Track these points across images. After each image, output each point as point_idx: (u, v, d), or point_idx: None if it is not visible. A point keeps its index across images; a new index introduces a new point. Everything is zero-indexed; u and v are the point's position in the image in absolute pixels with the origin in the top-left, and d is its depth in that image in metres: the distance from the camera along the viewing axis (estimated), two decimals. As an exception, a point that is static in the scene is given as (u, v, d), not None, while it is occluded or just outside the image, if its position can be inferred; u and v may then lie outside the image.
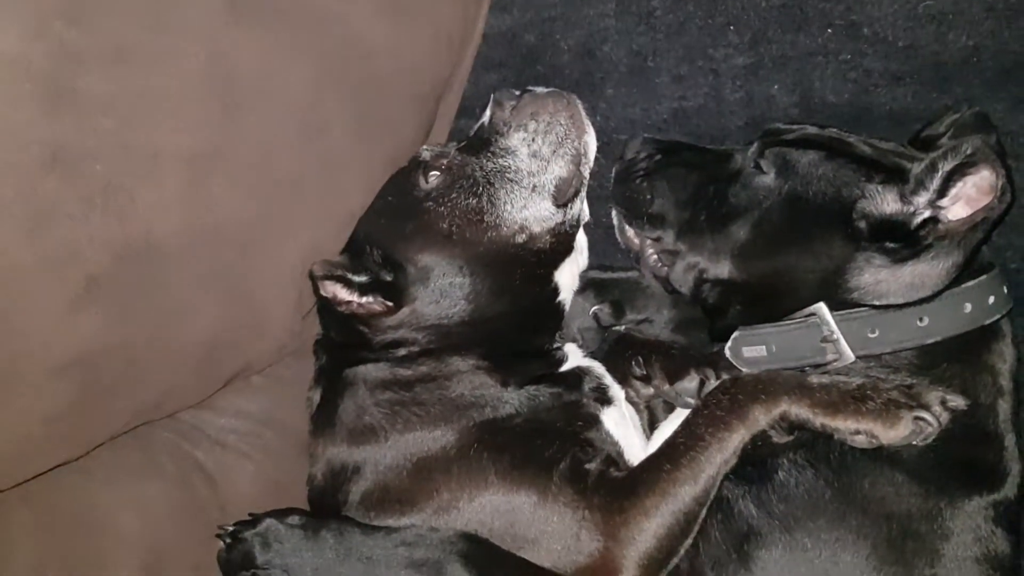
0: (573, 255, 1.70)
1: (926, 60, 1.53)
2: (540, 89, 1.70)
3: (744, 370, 1.50)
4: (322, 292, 1.57)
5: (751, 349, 1.48)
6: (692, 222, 1.55)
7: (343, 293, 1.57)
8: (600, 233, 1.75)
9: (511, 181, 1.61)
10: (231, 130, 1.31)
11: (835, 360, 1.43)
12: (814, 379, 1.43)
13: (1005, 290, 1.43)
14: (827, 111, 1.60)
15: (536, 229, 1.61)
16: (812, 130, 1.54)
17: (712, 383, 1.55)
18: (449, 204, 1.59)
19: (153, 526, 1.51)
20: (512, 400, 1.58)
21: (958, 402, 1.36)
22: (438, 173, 1.61)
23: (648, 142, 1.65)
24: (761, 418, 1.41)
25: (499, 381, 1.59)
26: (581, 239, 1.73)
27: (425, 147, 1.70)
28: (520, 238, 1.60)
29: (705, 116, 1.67)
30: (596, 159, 1.67)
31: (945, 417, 1.35)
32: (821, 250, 1.42)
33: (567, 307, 1.71)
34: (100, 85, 1.16)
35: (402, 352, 1.60)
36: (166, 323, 1.32)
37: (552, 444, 1.52)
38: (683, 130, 1.70)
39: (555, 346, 1.68)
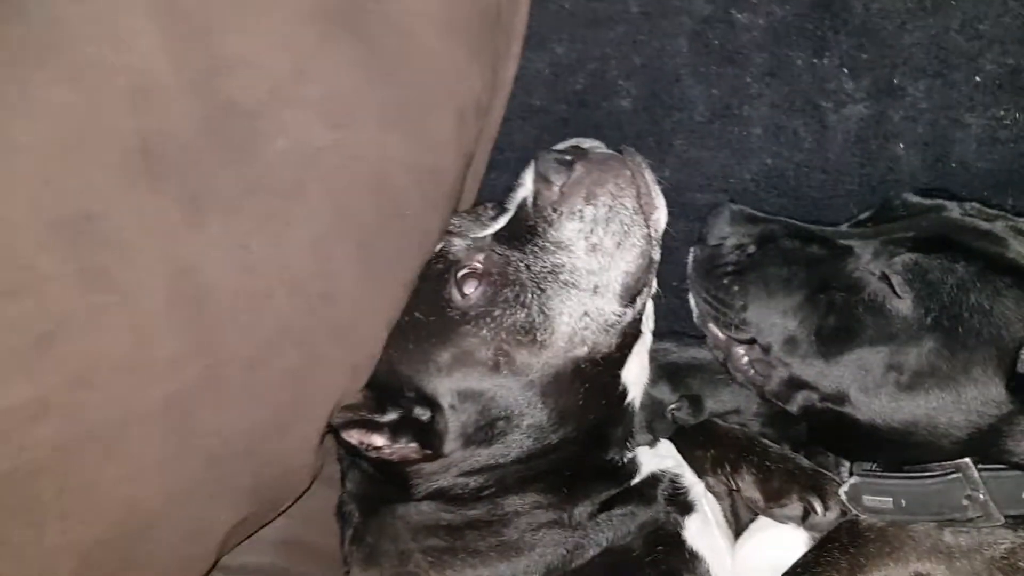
0: (639, 341, 1.41)
1: None
2: (594, 148, 1.34)
3: (863, 517, 1.26)
4: (348, 441, 1.29)
5: (874, 500, 1.23)
6: (798, 339, 1.25)
7: (372, 439, 1.29)
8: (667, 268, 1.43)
9: (567, 284, 1.28)
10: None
11: (978, 518, 1.19)
12: (951, 537, 1.20)
13: None
14: (967, 176, 1.26)
15: (600, 337, 1.31)
16: (953, 211, 1.21)
17: (819, 514, 1.32)
18: (492, 323, 1.27)
19: None
20: (580, 538, 1.34)
21: None
22: (476, 282, 1.28)
23: (737, 219, 1.30)
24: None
25: (565, 518, 1.33)
26: (648, 309, 1.44)
27: (454, 233, 1.36)
28: (581, 351, 1.30)
29: (805, 176, 1.31)
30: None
31: None
32: (973, 404, 1.14)
33: (637, 406, 1.43)
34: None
35: (450, 495, 1.35)
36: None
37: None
38: (777, 192, 1.35)
39: (626, 458, 1.43)
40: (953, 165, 1.25)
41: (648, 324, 1.49)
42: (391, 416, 1.30)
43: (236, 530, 1.24)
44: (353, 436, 1.29)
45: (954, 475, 1.21)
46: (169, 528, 1.10)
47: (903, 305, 1.17)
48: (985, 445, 1.15)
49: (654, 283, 1.44)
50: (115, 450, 1.00)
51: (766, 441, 1.46)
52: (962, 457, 1.20)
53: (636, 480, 1.44)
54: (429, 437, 1.30)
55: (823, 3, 1.28)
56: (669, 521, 1.40)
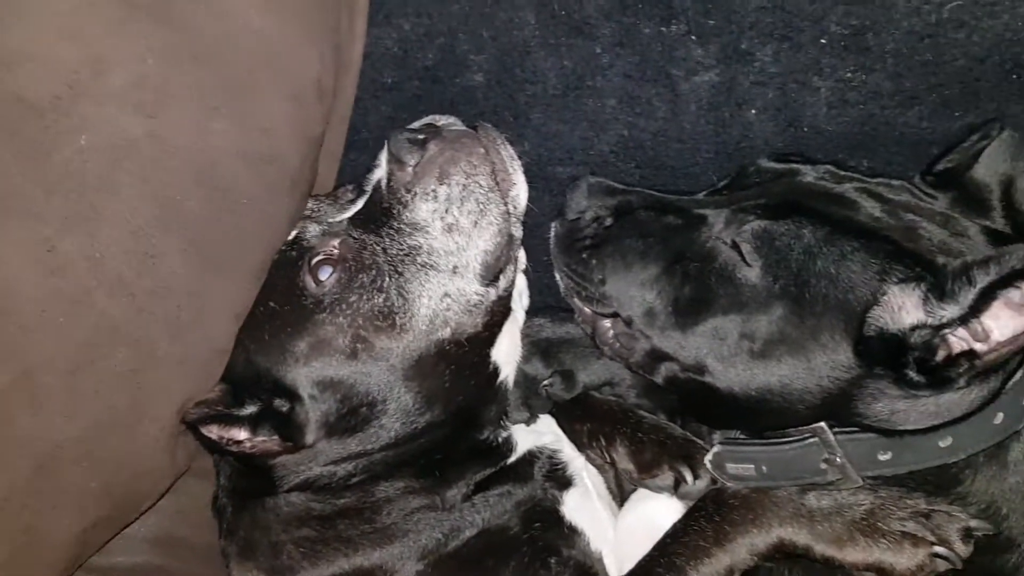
0: (510, 319, 1.39)
1: (950, 75, 1.16)
2: (448, 125, 1.30)
3: (729, 485, 1.26)
4: (207, 436, 1.25)
5: (737, 467, 1.23)
6: (656, 311, 1.23)
7: (231, 433, 1.26)
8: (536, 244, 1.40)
9: (425, 266, 1.26)
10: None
11: (838, 480, 1.20)
12: (813, 501, 1.21)
13: None
14: (820, 139, 1.25)
15: (463, 318, 1.28)
16: (806, 176, 1.20)
17: (689, 483, 1.32)
18: (349, 310, 1.24)
19: None
20: (455, 520, 1.33)
21: (983, 528, 1.17)
22: (331, 268, 1.25)
23: (595, 191, 1.28)
24: (749, 551, 1.22)
25: (438, 502, 1.33)
26: (517, 306, 1.42)
27: (309, 218, 1.32)
28: (444, 333, 1.27)
29: (662, 146, 1.29)
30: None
31: (966, 551, 1.15)
32: (823, 370, 1.13)
33: (510, 384, 1.42)
34: None
35: (315, 491, 1.32)
36: None
37: (508, 564, 1.30)
38: (636, 163, 1.32)
39: (501, 436, 1.41)
40: (805, 129, 1.24)
41: (521, 301, 1.48)
42: (250, 409, 1.27)
43: (91, 533, 1.20)
44: (212, 431, 1.26)
45: (811, 440, 1.22)
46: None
47: (752, 273, 1.15)
48: (839, 409, 1.16)
49: (522, 259, 1.42)
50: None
51: (641, 412, 1.46)
52: (818, 422, 1.21)
53: (512, 459, 1.43)
54: (290, 429, 1.28)
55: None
56: (547, 497, 1.40)
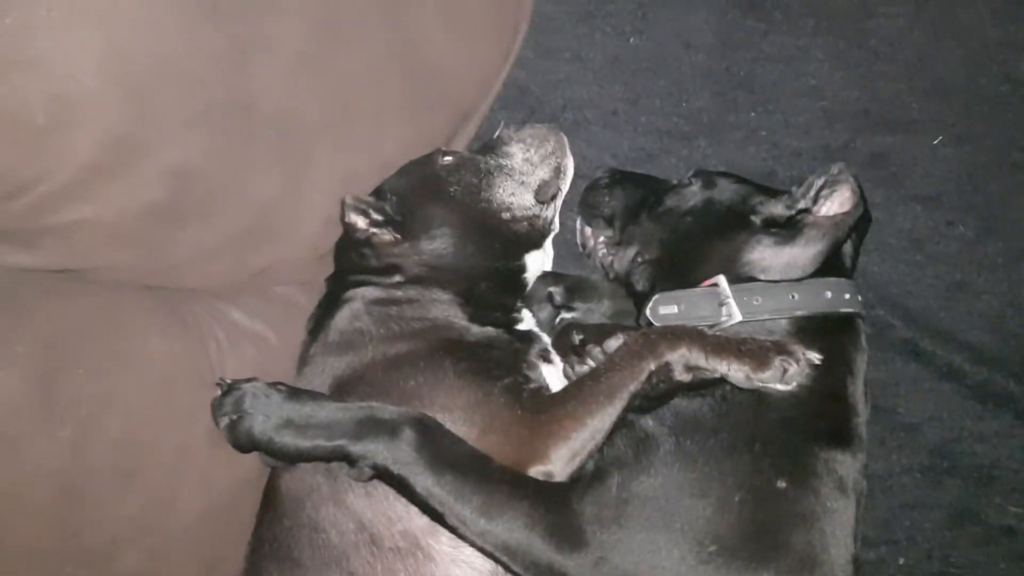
0: (541, 251, 2.17)
1: (816, 142, 2.10)
2: (539, 124, 2.27)
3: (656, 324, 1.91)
4: (347, 219, 2.02)
5: (665, 307, 1.88)
6: (634, 220, 2.05)
7: (362, 222, 2.02)
8: (565, 254, 2.22)
9: (505, 174, 2.12)
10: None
11: (727, 320, 1.84)
12: (708, 333, 1.84)
13: (859, 298, 1.88)
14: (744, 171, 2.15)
15: (517, 213, 2.10)
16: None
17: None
18: (456, 178, 2.08)
19: (170, 363, 1.85)
20: (475, 331, 1.97)
21: (815, 356, 1.73)
22: (451, 159, 2.13)
23: (612, 170, 2.19)
24: (666, 353, 1.74)
25: (467, 316, 2.00)
26: (549, 246, 2.21)
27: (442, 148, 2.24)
28: (504, 216, 2.09)
29: (656, 163, 2.21)
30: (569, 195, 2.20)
31: (804, 365, 1.75)
32: (726, 235, 1.87)
33: (529, 285, 2.15)
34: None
35: (396, 278, 2.01)
36: (239, 175, 1.77)
37: (499, 367, 1.88)
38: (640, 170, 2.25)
39: (516, 307, 2.10)
40: (735, 167, 2.16)
41: (549, 251, 2.23)
42: (379, 216, 2.03)
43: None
44: (352, 217, 2.02)
45: (714, 287, 1.83)
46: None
47: (694, 188, 1.99)
48: (733, 264, 1.82)
49: (557, 223, 2.22)
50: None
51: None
52: (717, 275, 1.87)
53: (520, 327, 2.09)
54: (399, 230, 2.03)
55: None
56: (535, 358, 2.01)
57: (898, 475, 1.80)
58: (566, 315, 2.17)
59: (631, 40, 2.21)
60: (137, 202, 1.66)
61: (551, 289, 2.18)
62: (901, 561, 1.92)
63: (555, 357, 2.03)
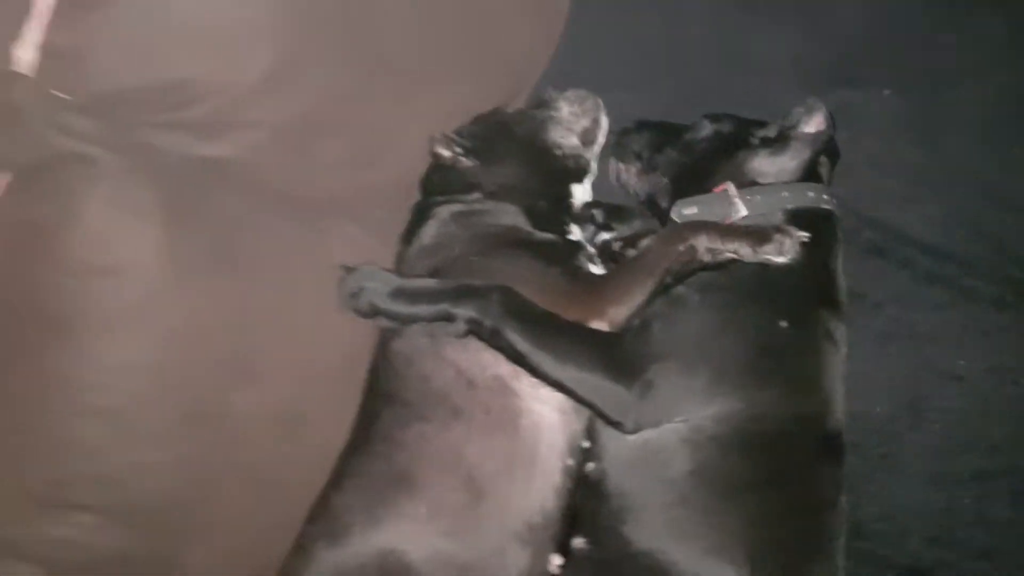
0: (583, 185, 2.71)
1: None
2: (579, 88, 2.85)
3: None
4: (435, 149, 2.56)
5: (687, 208, 2.29)
6: (659, 151, 2.62)
7: (447, 152, 2.57)
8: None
9: (555, 121, 2.69)
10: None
11: (735, 215, 2.23)
12: (722, 224, 2.34)
13: (835, 201, 2.45)
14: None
15: (567, 151, 2.63)
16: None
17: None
18: (518, 121, 2.66)
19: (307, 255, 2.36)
20: (538, 235, 2.38)
21: (803, 234, 2.10)
22: (513, 110, 2.71)
23: (637, 120, 2.78)
24: (690, 238, 2.13)
25: (531, 223, 2.42)
26: (588, 185, 2.76)
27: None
28: (556, 152, 2.62)
29: None
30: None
31: (796, 241, 2.20)
32: (731, 152, 2.32)
33: (576, 208, 2.65)
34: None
35: (475, 195, 2.45)
36: (360, 103, 2.33)
37: (560, 256, 2.32)
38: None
39: (567, 222, 2.59)
40: None
41: (588, 187, 2.79)
42: (459, 150, 2.57)
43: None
44: (440, 147, 2.57)
45: (724, 191, 2.31)
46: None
47: (707, 123, 2.54)
48: (737, 172, 2.27)
49: (595, 167, 2.80)
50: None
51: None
52: (726, 182, 2.37)
53: (570, 237, 2.62)
54: (476, 157, 2.58)
55: None
56: (581, 256, 2.53)
57: (859, 343, 2.33)
58: (604, 234, 2.72)
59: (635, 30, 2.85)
60: (293, 112, 2.20)
61: (593, 211, 2.71)
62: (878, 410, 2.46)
63: (598, 260, 2.57)
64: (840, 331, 2.20)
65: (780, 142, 2.34)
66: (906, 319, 2.53)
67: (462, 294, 2.12)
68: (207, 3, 2.01)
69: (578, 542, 2.13)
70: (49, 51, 1.89)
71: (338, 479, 2.17)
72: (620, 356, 2.10)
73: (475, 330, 2.09)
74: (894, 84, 2.69)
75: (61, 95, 1.90)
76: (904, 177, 2.61)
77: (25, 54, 1.90)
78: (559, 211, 2.55)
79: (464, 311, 2.09)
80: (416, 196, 2.54)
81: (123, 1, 1.89)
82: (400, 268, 2.38)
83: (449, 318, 2.11)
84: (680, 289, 2.18)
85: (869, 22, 2.69)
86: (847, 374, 2.18)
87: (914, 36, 2.69)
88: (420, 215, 2.48)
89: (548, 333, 2.10)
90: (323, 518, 2.14)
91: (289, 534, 2.10)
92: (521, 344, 2.07)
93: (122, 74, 1.94)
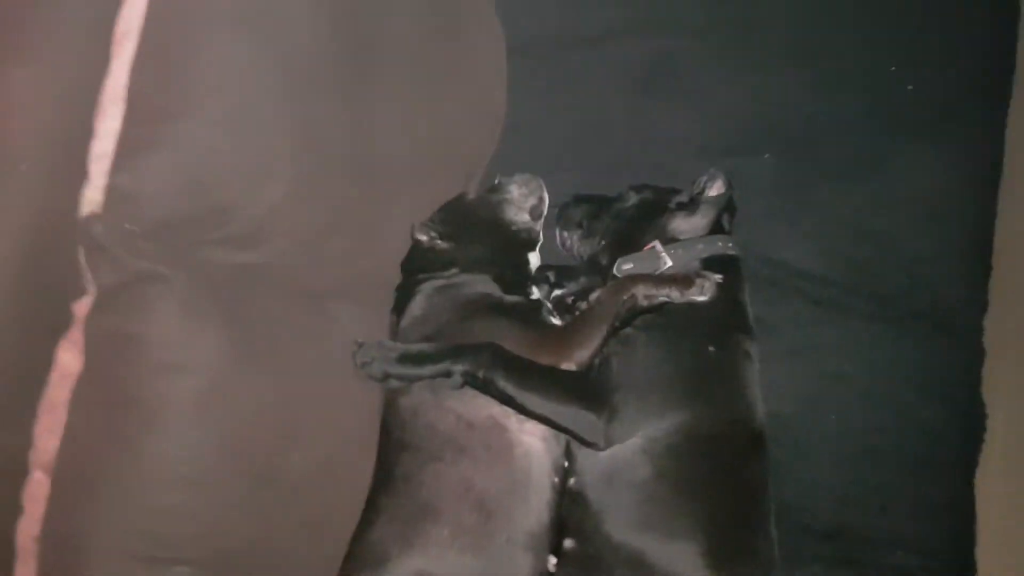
0: (535, 252, 3.21)
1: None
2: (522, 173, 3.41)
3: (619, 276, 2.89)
4: (416, 235, 3.04)
5: (625, 265, 2.68)
6: (596, 219, 3.15)
7: (426, 237, 3.08)
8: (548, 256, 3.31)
9: (508, 202, 3.19)
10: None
11: (663, 267, 2.64)
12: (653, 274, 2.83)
13: (738, 247, 2.82)
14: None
15: (520, 226, 3.06)
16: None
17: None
18: (478, 205, 3.16)
19: (324, 339, 2.83)
20: (508, 298, 2.71)
21: (718, 277, 2.55)
22: (473, 197, 3.25)
23: (575, 195, 3.31)
24: (630, 288, 2.54)
25: (501, 288, 2.75)
26: (538, 252, 3.33)
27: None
28: (512, 227, 2.97)
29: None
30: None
31: (713, 283, 2.58)
32: (655, 217, 2.73)
33: (532, 272, 3.21)
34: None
35: (452, 271, 2.77)
36: (357, 204, 2.86)
37: (528, 315, 2.68)
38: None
39: (528, 285, 2.97)
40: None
41: (538, 255, 3.34)
42: (434, 233, 3.02)
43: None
44: (419, 234, 3.05)
45: (653, 249, 2.69)
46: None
47: (632, 195, 3.13)
48: (662, 232, 2.69)
49: (541, 235, 3.35)
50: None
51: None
52: (654, 241, 2.86)
53: (532, 297, 3.10)
54: (448, 240, 3.09)
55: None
56: (543, 312, 3.04)
57: (767, 358, 2.93)
58: (558, 291, 3.23)
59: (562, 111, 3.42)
60: (308, 219, 2.56)
61: (547, 273, 2.97)
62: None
63: (555, 314, 3.12)
64: (754, 349, 2.62)
65: (692, 205, 2.87)
66: (801, 335, 3.15)
67: (458, 353, 2.47)
68: (234, 138, 2.42)
69: (568, 543, 2.46)
70: (114, 190, 2.28)
71: (370, 517, 2.47)
72: (589, 390, 2.48)
73: (470, 381, 2.43)
74: (772, 149, 3.27)
75: (130, 226, 2.31)
76: (787, 222, 3.22)
77: (95, 195, 2.30)
78: (521, 276, 2.92)
79: (461, 367, 2.44)
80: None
81: (170, 144, 2.24)
82: (396, 337, 2.73)
83: (448, 374, 2.46)
84: (628, 330, 2.55)
85: (748, 101, 3.34)
86: (762, 383, 2.59)
87: (786, 109, 3.34)
88: (407, 291, 2.81)
89: (530, 377, 2.45)
90: (363, 551, 2.44)
91: (332, 564, 2.44)
92: (510, 389, 2.42)
93: (175, 204, 2.35)
